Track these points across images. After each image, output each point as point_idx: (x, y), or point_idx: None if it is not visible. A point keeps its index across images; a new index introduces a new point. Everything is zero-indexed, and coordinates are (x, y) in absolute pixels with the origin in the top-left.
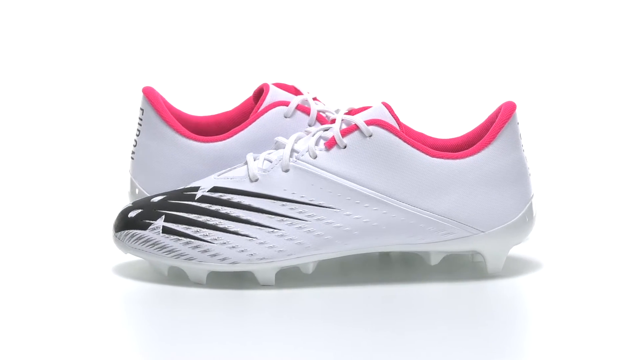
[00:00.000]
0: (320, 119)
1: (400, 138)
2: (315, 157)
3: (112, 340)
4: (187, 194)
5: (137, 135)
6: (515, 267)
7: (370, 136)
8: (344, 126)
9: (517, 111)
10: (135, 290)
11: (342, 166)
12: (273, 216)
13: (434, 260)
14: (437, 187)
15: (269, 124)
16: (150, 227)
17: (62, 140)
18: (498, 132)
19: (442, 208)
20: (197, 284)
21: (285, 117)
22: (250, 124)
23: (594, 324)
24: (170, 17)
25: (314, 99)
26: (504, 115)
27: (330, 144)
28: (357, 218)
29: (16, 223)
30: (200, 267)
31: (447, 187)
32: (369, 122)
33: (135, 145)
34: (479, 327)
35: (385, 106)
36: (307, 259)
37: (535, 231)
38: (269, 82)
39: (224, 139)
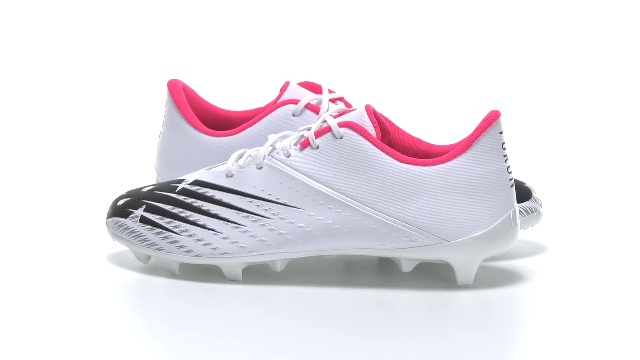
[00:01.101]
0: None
1: (370, 141)
2: (288, 156)
3: (75, 328)
4: (172, 185)
5: (162, 127)
6: (516, 276)
7: (341, 138)
8: (324, 126)
9: (501, 120)
10: (115, 278)
11: (311, 167)
12: (240, 212)
13: (406, 268)
14: (403, 193)
15: (277, 121)
16: (131, 215)
17: (107, 132)
18: (473, 141)
19: (407, 215)
20: (171, 274)
21: (294, 116)
22: (259, 120)
23: (579, 335)
24: (231, 13)
25: (340, 99)
26: (481, 125)
27: (305, 144)
28: (320, 219)
29: (49, 214)
30: (169, 258)
31: (413, 194)
32: (342, 124)
33: (159, 136)
34: (451, 338)
35: (367, 109)
36: (270, 257)
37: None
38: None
39: (233, 134)
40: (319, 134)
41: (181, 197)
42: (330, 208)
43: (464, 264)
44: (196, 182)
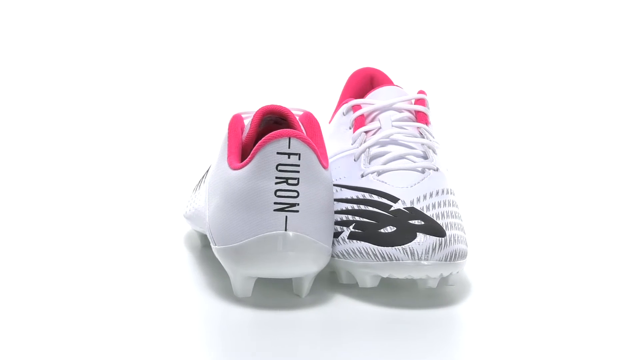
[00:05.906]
0: (358, 120)
1: (228, 134)
2: None
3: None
4: None
5: None
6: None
7: None
8: None
9: (291, 142)
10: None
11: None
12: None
13: None
14: (214, 191)
15: (337, 116)
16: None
17: None
18: (254, 155)
19: (209, 212)
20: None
21: (343, 114)
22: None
23: None
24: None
25: (413, 112)
26: (262, 141)
27: None
28: (199, 202)
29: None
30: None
31: (216, 194)
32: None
33: None
34: None
35: (258, 111)
36: (195, 228)
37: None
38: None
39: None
40: None
41: None
42: (207, 193)
43: (230, 272)
44: None
